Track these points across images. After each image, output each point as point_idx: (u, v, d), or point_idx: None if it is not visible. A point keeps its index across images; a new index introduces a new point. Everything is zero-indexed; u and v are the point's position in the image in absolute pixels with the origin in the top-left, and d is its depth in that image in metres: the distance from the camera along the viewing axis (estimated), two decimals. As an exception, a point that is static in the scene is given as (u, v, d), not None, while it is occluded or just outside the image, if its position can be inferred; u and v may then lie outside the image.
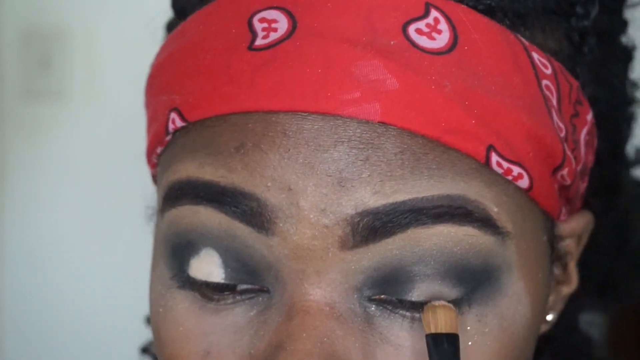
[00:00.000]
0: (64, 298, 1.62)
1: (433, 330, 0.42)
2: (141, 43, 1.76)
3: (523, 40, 0.44)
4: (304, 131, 0.42)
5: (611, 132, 0.53)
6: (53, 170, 1.62)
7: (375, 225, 0.41)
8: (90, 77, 1.59)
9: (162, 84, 0.47)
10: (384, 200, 0.41)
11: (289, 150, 0.42)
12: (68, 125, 1.61)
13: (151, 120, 0.50)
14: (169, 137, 0.47)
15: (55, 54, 1.59)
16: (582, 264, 0.54)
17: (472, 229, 0.42)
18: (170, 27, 0.55)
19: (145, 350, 0.67)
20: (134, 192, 1.79)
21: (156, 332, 0.47)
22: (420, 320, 0.43)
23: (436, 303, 0.42)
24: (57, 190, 1.63)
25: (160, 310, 0.47)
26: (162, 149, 0.48)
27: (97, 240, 1.61)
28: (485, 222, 0.43)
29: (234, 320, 0.44)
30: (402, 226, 0.42)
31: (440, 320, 0.42)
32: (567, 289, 0.53)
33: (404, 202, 0.41)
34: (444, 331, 0.42)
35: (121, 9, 1.57)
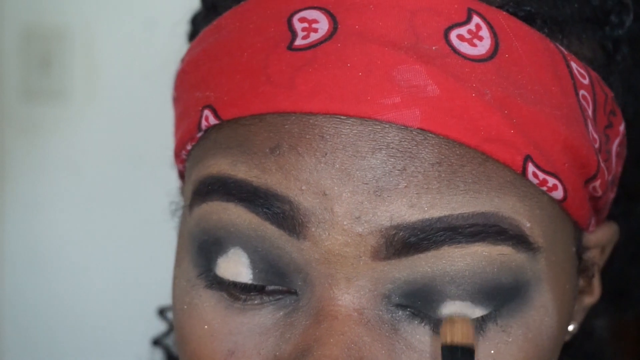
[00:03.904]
0: (64, 298, 1.62)
1: (449, 342, 0.42)
2: (141, 43, 1.76)
3: (562, 49, 0.44)
4: (342, 135, 0.41)
5: (636, 139, 0.53)
6: (53, 171, 1.62)
7: (410, 241, 0.41)
8: (90, 77, 1.59)
9: (195, 80, 0.47)
10: (420, 215, 0.41)
11: (326, 154, 0.41)
12: (68, 125, 1.61)
13: (181, 116, 0.49)
14: (200, 134, 0.47)
15: (55, 54, 1.59)
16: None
17: (505, 248, 0.42)
18: (196, 20, 0.54)
19: (156, 342, 0.67)
20: (134, 192, 1.79)
21: (179, 328, 0.47)
22: None
23: (455, 317, 0.42)
24: (57, 190, 1.63)
25: (185, 307, 0.46)
26: (192, 145, 0.48)
27: (97, 239, 1.61)
28: (519, 240, 0.42)
29: (260, 321, 0.44)
30: (437, 243, 0.41)
31: (457, 333, 0.42)
32: (589, 299, 0.52)
33: (440, 219, 0.41)
34: (459, 343, 0.42)
35: (121, 8, 1.57)
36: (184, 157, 0.49)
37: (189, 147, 0.48)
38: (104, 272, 1.61)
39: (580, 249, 0.49)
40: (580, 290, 0.51)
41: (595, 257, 0.51)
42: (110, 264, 1.60)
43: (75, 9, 1.59)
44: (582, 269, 0.50)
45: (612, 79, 0.48)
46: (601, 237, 0.51)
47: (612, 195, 0.50)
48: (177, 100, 0.50)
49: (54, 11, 1.60)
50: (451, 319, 0.42)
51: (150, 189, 1.47)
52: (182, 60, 0.49)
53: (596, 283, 0.52)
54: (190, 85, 0.47)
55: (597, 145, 0.45)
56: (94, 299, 1.60)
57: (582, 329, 0.56)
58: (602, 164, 0.46)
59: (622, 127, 0.48)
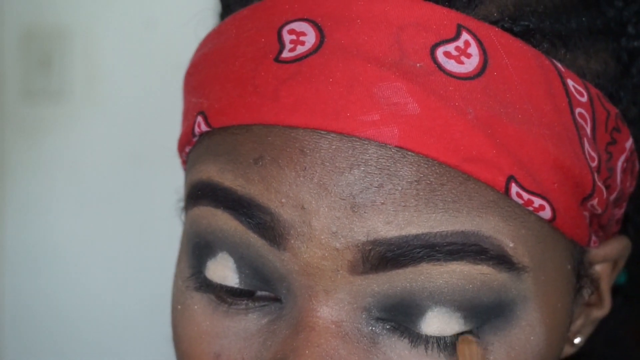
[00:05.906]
0: (64, 298, 1.62)
1: None
2: (141, 43, 1.76)
3: (559, 65, 0.43)
4: (322, 150, 0.41)
5: None
6: (53, 170, 1.62)
7: (387, 256, 0.41)
8: (90, 77, 1.59)
9: (193, 84, 0.47)
10: (397, 231, 0.41)
11: (305, 168, 0.42)
12: (68, 125, 1.61)
13: (183, 117, 0.50)
14: (195, 139, 0.47)
15: (55, 54, 1.59)
16: (628, 277, 0.53)
17: (486, 267, 0.42)
18: (223, 18, 0.55)
19: None
20: (133, 192, 1.79)
21: (174, 327, 0.48)
22: (423, 340, 0.43)
23: (470, 337, 0.42)
24: (57, 190, 1.63)
25: (179, 307, 0.47)
26: (190, 148, 0.49)
27: (96, 240, 1.62)
28: (500, 260, 0.42)
29: (245, 326, 0.45)
30: (415, 260, 0.41)
31: (474, 356, 0.42)
32: (599, 312, 0.52)
33: (417, 236, 0.41)
34: None
35: (121, 9, 1.57)
36: (184, 158, 0.50)
37: (187, 150, 0.49)
38: (103, 272, 1.61)
39: (583, 265, 0.48)
40: (588, 304, 0.51)
41: (604, 271, 0.50)
42: (110, 263, 1.61)
43: (75, 9, 1.59)
44: (587, 283, 0.49)
45: (623, 93, 0.47)
46: (610, 252, 0.50)
47: (619, 211, 0.50)
48: (184, 100, 0.50)
49: (54, 11, 1.60)
50: (467, 339, 0.42)
51: (150, 189, 1.47)
52: (190, 61, 0.50)
53: (606, 296, 0.51)
54: (191, 89, 0.48)
55: (594, 164, 0.44)
56: (94, 298, 1.61)
57: (603, 337, 0.55)
58: (600, 183, 0.45)
59: (628, 144, 0.47)
